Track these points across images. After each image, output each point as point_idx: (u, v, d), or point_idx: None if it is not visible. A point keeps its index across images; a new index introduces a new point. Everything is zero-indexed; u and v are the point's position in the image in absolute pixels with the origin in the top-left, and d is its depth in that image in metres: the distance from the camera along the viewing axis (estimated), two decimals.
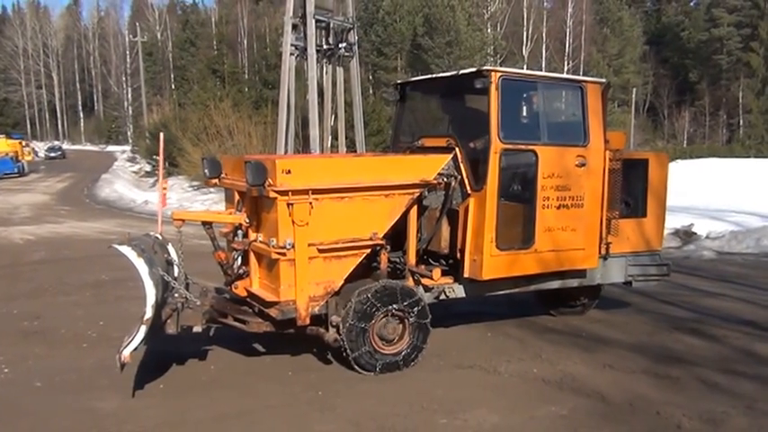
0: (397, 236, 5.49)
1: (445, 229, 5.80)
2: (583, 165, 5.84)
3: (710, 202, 15.50)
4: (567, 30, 46.55)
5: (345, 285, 5.17)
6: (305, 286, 4.95)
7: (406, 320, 5.21)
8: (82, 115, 74.88)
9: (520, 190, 5.85)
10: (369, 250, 5.20)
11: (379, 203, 5.15)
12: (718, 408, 4.50)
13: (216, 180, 5.76)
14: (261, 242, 5.11)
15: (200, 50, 58.69)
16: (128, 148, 48.82)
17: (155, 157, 27.15)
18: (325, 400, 4.68)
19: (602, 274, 6.39)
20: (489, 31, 46.42)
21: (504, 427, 4.27)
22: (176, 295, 5.05)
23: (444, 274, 5.62)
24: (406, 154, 6.36)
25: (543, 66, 43.18)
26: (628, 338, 6.16)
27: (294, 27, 16.13)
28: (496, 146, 5.44)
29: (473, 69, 5.70)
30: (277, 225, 4.84)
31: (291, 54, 16.29)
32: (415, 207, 5.44)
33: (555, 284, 6.22)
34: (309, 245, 4.89)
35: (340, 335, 5.03)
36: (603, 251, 6.18)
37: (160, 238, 5.59)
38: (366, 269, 5.34)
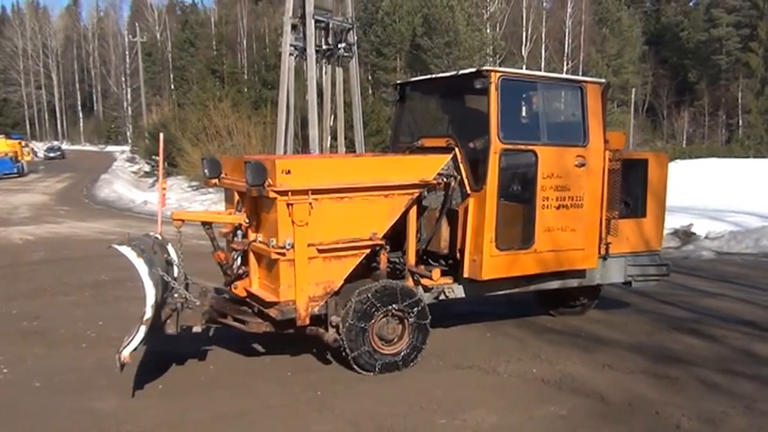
0: (396, 236, 5.49)
1: (445, 230, 5.80)
2: (582, 165, 5.85)
3: (709, 203, 15.52)
4: (567, 30, 46.57)
5: (345, 285, 5.17)
6: (304, 286, 4.95)
7: (405, 321, 5.21)
8: (81, 115, 74.86)
9: (519, 190, 5.85)
10: (368, 250, 5.20)
11: (378, 204, 5.15)
12: (718, 408, 4.50)
13: (216, 180, 5.76)
14: (260, 242, 5.12)
15: (200, 51, 58.71)
16: (127, 148, 48.80)
17: (154, 157, 27.15)
18: (324, 400, 4.68)
19: (601, 275, 6.39)
20: (488, 31, 46.41)
21: (503, 428, 4.27)
22: (176, 295, 5.05)
23: (444, 274, 5.63)
24: (405, 154, 6.36)
25: (542, 66, 43.17)
26: (627, 338, 6.17)
27: (293, 27, 16.13)
28: (496, 146, 5.44)
29: (473, 70, 5.70)
30: (277, 225, 4.84)
31: (291, 54, 16.29)
32: (415, 207, 5.44)
33: (554, 284, 6.22)
34: (309, 245, 4.89)
35: (339, 335, 5.03)
36: (603, 251, 6.18)
37: (160, 238, 5.59)
38: (366, 269, 5.34)
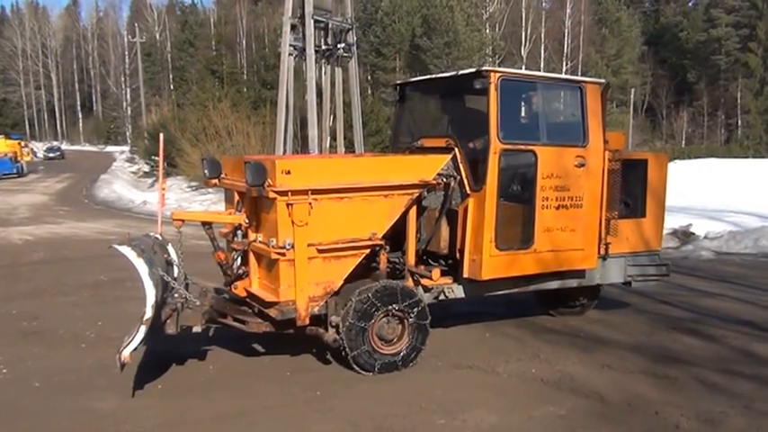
0: (396, 236, 5.49)
1: (444, 230, 5.80)
2: (582, 165, 5.85)
3: (709, 203, 15.53)
4: (566, 30, 46.61)
5: (345, 286, 5.17)
6: (304, 286, 4.95)
7: (405, 321, 5.22)
8: (81, 116, 74.81)
9: (519, 190, 5.86)
10: (368, 250, 5.20)
11: (378, 204, 5.15)
12: (717, 408, 4.51)
13: (216, 180, 5.76)
14: (260, 242, 5.12)
15: (199, 51, 58.66)
16: (126, 148, 48.77)
17: (153, 157, 27.13)
18: (323, 400, 4.68)
19: (601, 275, 6.39)
20: (488, 31, 46.46)
21: (502, 428, 4.27)
22: (176, 295, 5.05)
23: (443, 274, 5.63)
24: (405, 154, 6.37)
25: (542, 66, 43.20)
26: (626, 339, 6.17)
27: (293, 27, 16.12)
28: (496, 146, 5.44)
29: (472, 70, 5.71)
30: (276, 225, 4.85)
31: (290, 54, 16.29)
32: (415, 207, 5.44)
33: (554, 285, 6.23)
34: (309, 245, 4.90)
35: (339, 334, 5.04)
36: (603, 251, 6.19)
37: (160, 238, 5.59)
38: (365, 269, 5.34)
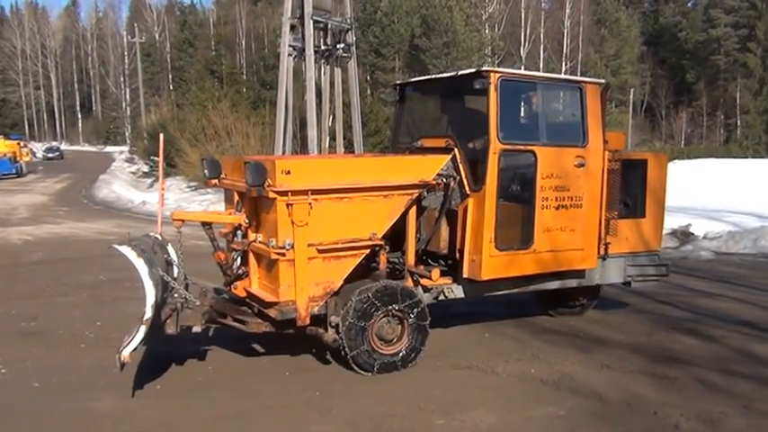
0: (396, 236, 5.50)
1: (444, 230, 5.80)
2: (582, 165, 5.85)
3: (708, 203, 15.54)
4: (565, 30, 46.61)
5: (345, 286, 5.17)
6: (304, 286, 4.95)
7: (405, 321, 5.22)
8: (80, 116, 74.77)
9: (519, 190, 5.85)
10: (368, 251, 5.21)
11: (378, 204, 5.15)
12: (716, 408, 4.51)
13: (215, 181, 5.76)
14: (260, 242, 5.12)
15: (199, 51, 58.59)
16: (126, 148, 48.71)
17: (153, 157, 27.10)
18: (322, 400, 4.68)
19: (600, 275, 6.40)
20: (487, 31, 46.45)
21: (501, 428, 4.27)
22: (176, 295, 5.05)
23: (443, 274, 5.63)
24: (405, 154, 6.37)
25: (541, 66, 43.21)
26: (625, 339, 6.17)
27: (292, 28, 16.10)
28: (495, 146, 5.44)
29: (472, 70, 5.71)
30: (276, 225, 4.84)
31: (289, 55, 16.27)
32: (414, 207, 5.44)
33: (554, 285, 6.23)
34: (309, 245, 4.90)
35: (339, 334, 5.04)
36: (602, 251, 6.19)
37: (160, 238, 5.59)
38: (365, 269, 5.34)
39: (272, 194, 4.79)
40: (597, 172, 5.96)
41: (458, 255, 5.72)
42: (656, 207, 6.57)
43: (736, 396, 4.72)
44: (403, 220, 5.37)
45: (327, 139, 17.54)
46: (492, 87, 5.42)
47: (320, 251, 4.96)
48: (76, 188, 27.36)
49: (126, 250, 4.48)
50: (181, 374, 5.24)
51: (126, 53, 64.25)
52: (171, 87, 61.05)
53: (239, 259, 5.37)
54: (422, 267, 5.65)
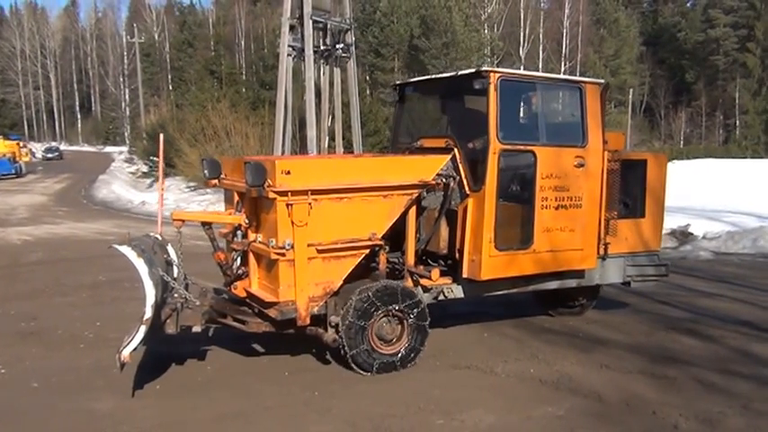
0: (395, 236, 5.50)
1: (444, 230, 5.81)
2: (581, 165, 5.86)
3: (707, 203, 15.55)
4: (564, 31, 46.61)
5: (344, 286, 5.17)
6: (304, 286, 4.95)
7: (405, 321, 5.22)
8: (79, 116, 74.75)
9: (518, 190, 5.86)
10: (368, 251, 5.21)
11: (377, 204, 5.15)
12: (715, 408, 4.51)
13: (215, 181, 5.76)
14: (260, 243, 5.12)
15: (198, 51, 58.58)
16: (125, 149, 48.66)
17: (152, 158, 27.09)
18: (321, 400, 4.68)
19: (600, 275, 6.40)
20: (486, 32, 46.40)
21: (500, 428, 4.28)
22: (176, 295, 5.05)
23: (443, 274, 5.64)
24: (404, 155, 6.37)
25: (540, 67, 43.20)
26: (624, 339, 6.18)
27: (291, 28, 16.10)
28: (495, 146, 5.45)
29: (472, 70, 5.71)
30: (276, 225, 4.85)
31: (289, 55, 16.26)
32: (414, 207, 5.44)
33: (553, 285, 6.23)
34: (308, 245, 4.90)
35: (339, 333, 5.04)
36: (602, 251, 6.20)
37: (160, 238, 5.60)
38: (365, 270, 5.34)
39: (271, 195, 4.79)
40: (597, 172, 5.97)
41: (457, 255, 5.72)
42: (655, 207, 6.57)
43: (735, 396, 4.73)
44: (403, 220, 5.38)
45: (327, 139, 17.55)
46: (492, 87, 5.42)
47: (320, 251, 4.96)
48: (76, 188, 27.35)
49: (126, 250, 4.48)
50: (181, 374, 5.25)
51: (125, 53, 64.23)
52: (170, 87, 61.01)
53: (239, 259, 5.38)
54: (421, 267, 5.65)
